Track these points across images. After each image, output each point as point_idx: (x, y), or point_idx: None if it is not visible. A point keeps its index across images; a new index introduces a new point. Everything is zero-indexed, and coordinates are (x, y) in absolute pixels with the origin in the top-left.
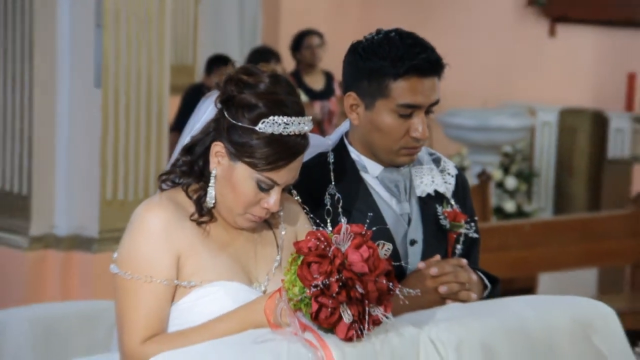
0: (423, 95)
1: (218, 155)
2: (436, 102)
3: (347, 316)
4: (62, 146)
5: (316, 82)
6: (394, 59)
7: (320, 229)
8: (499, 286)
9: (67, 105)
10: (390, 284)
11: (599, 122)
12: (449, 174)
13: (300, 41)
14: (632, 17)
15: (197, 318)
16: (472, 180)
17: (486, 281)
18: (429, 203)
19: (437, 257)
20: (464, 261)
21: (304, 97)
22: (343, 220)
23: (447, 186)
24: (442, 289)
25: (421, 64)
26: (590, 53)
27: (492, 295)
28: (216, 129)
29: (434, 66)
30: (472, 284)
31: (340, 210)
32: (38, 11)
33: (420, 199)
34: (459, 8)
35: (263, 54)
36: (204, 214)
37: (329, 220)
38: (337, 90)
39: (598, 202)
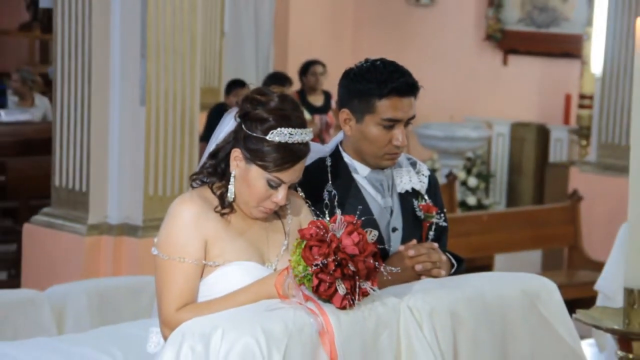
0: (402, 112)
1: (237, 159)
2: (413, 117)
3: (341, 289)
4: (113, 152)
5: (317, 100)
6: (379, 82)
7: (320, 219)
8: (464, 264)
9: (118, 119)
10: (376, 263)
11: (542, 133)
12: (423, 174)
13: (307, 68)
14: (568, 50)
15: (220, 291)
16: (441, 179)
17: (453, 260)
18: (407, 198)
19: (414, 241)
20: (436, 244)
21: (307, 115)
22: (338, 212)
23: (421, 184)
24: (418, 267)
25: (401, 86)
26: (535, 78)
27: (458, 272)
28: (235, 138)
29: (411, 88)
30: (442, 263)
31: (335, 204)
32: (95, 45)
33: (400, 194)
34: (431, 41)
35: (279, 79)
36: (225, 207)
37: (326, 212)
38: (334, 106)
39: (542, 197)
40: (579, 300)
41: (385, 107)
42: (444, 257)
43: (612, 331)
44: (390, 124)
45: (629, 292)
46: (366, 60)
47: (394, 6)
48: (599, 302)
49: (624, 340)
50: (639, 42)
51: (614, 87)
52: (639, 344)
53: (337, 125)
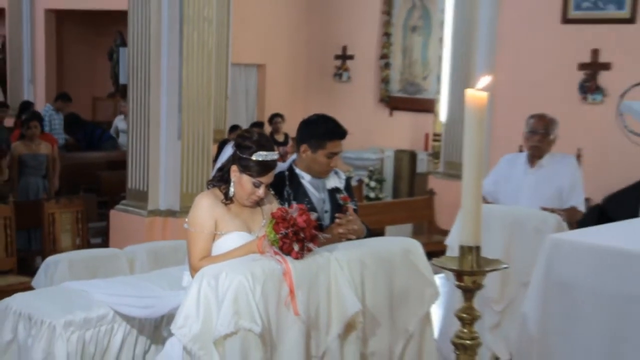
0: (339, 149)
1: (234, 171)
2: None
3: (296, 247)
4: (162, 167)
5: (280, 137)
6: (330, 132)
7: (283, 206)
8: (369, 232)
9: (165, 148)
10: (317, 232)
11: (412, 156)
12: (342, 178)
13: (272, 118)
14: (426, 108)
15: (225, 249)
16: (354, 183)
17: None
18: (333, 193)
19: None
20: (351, 217)
21: None
22: (293, 202)
23: (341, 184)
24: (342, 234)
25: (341, 135)
26: (408, 124)
27: (366, 237)
28: (233, 159)
29: (345, 135)
30: (356, 232)
31: (291, 197)
32: (151, 105)
33: (329, 190)
34: (348, 102)
35: (257, 124)
36: (228, 199)
37: (286, 202)
38: (290, 142)
39: (412, 192)
40: (434, 252)
41: (331, 146)
42: (356, 227)
43: (452, 270)
44: (332, 155)
45: (461, 247)
46: (315, 115)
47: (326, 82)
48: (448, 252)
49: (459, 275)
50: (467, 104)
51: (453, 129)
52: (467, 278)
53: (291, 153)
